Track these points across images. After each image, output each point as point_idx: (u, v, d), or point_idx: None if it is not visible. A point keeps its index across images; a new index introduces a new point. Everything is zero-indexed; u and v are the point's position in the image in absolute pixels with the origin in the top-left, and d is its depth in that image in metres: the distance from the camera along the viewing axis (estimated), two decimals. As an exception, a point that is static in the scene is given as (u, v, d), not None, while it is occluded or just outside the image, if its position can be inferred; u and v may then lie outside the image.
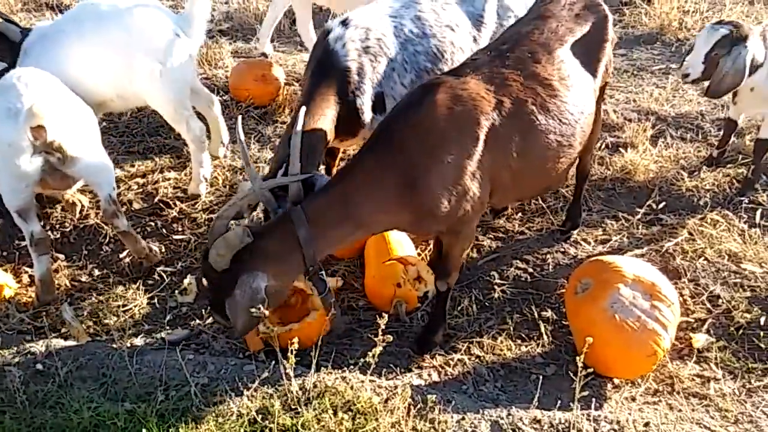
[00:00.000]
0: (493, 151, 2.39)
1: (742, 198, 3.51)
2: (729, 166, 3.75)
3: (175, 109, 3.42)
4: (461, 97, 2.36)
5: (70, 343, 2.72)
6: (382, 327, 2.27)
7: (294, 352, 2.21)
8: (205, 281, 2.42)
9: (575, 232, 3.34)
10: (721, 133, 3.79)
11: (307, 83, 2.81)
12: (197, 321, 2.89)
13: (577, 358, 2.18)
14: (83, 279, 3.15)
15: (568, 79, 2.56)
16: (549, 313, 2.88)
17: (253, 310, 2.20)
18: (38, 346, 2.63)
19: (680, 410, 2.46)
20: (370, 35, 2.86)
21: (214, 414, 2.29)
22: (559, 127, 2.51)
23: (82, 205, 3.54)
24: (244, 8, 6.03)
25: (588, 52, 2.69)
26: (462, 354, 2.72)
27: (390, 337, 2.30)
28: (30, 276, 3.14)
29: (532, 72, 2.50)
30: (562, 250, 3.28)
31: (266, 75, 4.37)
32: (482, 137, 2.35)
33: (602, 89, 2.91)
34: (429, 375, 2.63)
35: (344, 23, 2.87)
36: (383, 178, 2.34)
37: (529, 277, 3.13)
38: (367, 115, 2.85)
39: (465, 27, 3.10)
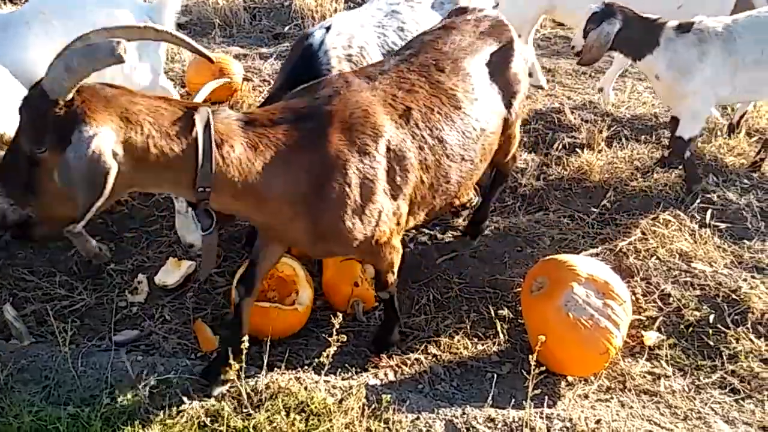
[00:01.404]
0: (403, 162, 2.24)
1: (693, 193, 3.59)
2: (680, 167, 3.83)
3: None
4: (371, 102, 2.20)
5: (12, 344, 2.61)
6: (337, 327, 2.24)
7: (245, 352, 2.16)
8: (21, 117, 1.75)
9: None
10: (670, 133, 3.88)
11: (279, 82, 2.72)
12: (148, 321, 2.81)
13: (530, 356, 2.19)
14: (27, 278, 3.03)
15: (472, 92, 2.48)
16: (505, 312, 2.88)
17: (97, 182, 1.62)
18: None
19: (631, 407, 2.50)
20: (353, 43, 2.81)
21: (161, 417, 2.22)
22: (462, 139, 2.43)
23: None
24: (202, 2, 5.92)
25: (494, 72, 2.61)
26: (419, 353, 2.71)
27: (344, 337, 2.27)
28: (-30, 275, 3.01)
29: (437, 80, 2.42)
30: (519, 248, 3.30)
31: (224, 70, 4.29)
32: (391, 146, 2.20)
33: (517, 113, 2.80)
34: (385, 374, 2.61)
35: (327, 28, 2.81)
36: (297, 161, 2.05)
37: (486, 276, 3.14)
38: None
39: None
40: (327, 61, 2.71)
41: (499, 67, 2.63)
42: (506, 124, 2.72)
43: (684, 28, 3.44)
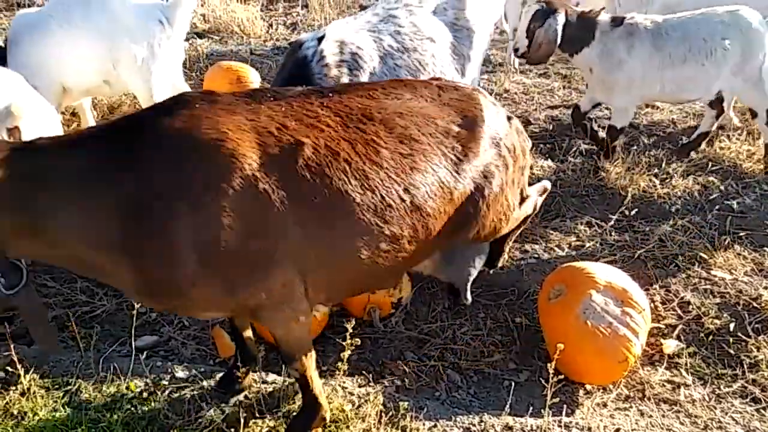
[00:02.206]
0: (273, 208, 1.77)
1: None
2: (699, 173, 3.81)
3: (154, 96, 3.51)
4: (237, 126, 1.78)
5: (34, 349, 2.65)
6: (350, 330, 2.24)
7: (261, 359, 2.17)
8: None
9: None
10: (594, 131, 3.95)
11: None
12: (167, 327, 2.83)
13: (549, 364, 2.18)
14: (49, 284, 3.07)
15: (409, 157, 1.99)
16: (522, 319, 2.88)
17: None
18: (1, 354, 2.56)
19: (651, 416, 2.47)
20: (345, 50, 2.82)
21: (180, 423, 2.24)
22: (381, 206, 1.92)
23: None
24: (221, 10, 5.99)
25: (451, 148, 2.11)
26: (435, 360, 2.71)
27: (358, 341, 2.27)
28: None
29: (357, 127, 1.96)
30: (536, 255, 3.29)
31: (241, 78, 4.33)
32: (257, 185, 1.75)
33: (494, 197, 2.25)
34: (402, 381, 2.61)
35: (320, 38, 2.83)
36: (102, 196, 1.69)
37: (503, 283, 3.13)
38: None
39: (445, 36, 3.10)
40: (320, 70, 2.73)
41: (461, 144, 2.13)
42: (472, 209, 2.19)
43: (616, 22, 3.54)
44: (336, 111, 1.97)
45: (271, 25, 6.03)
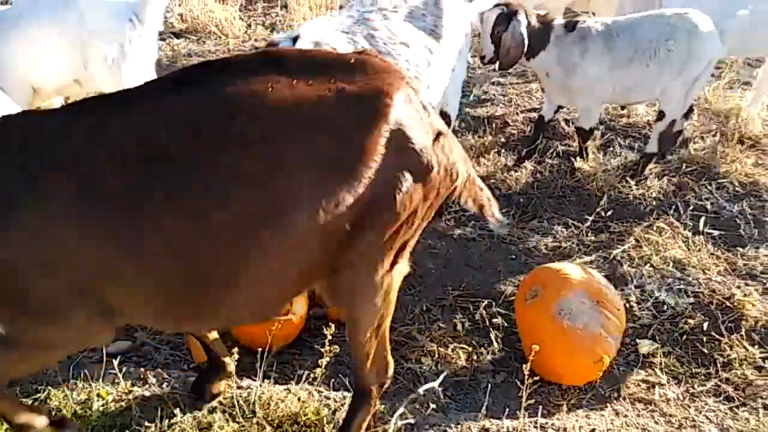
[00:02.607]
0: (98, 222, 1.57)
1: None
2: (673, 175, 3.85)
3: None
4: (28, 169, 1.58)
5: (3, 356, 2.59)
6: (330, 337, 2.23)
7: (236, 363, 2.15)
8: None
9: None
10: (533, 130, 4.04)
11: None
12: (140, 332, 2.79)
13: (524, 365, 2.18)
14: (19, 289, 3.01)
15: (233, 172, 1.58)
16: (500, 320, 2.89)
17: None
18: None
19: (626, 416, 2.49)
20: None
21: (153, 430, 2.20)
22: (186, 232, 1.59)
23: None
24: (199, 10, 5.93)
25: (336, 150, 1.61)
26: (412, 363, 2.70)
27: (337, 348, 2.26)
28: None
29: (212, 127, 1.60)
30: (513, 256, 3.30)
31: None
32: (69, 197, 1.57)
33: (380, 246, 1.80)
34: (379, 384, 2.59)
35: (294, 38, 2.80)
36: None
37: (481, 284, 3.13)
38: None
39: (420, 42, 3.09)
40: None
41: (345, 144, 1.61)
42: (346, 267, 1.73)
43: (569, 27, 3.57)
44: (190, 102, 1.65)
45: (249, 26, 5.98)
